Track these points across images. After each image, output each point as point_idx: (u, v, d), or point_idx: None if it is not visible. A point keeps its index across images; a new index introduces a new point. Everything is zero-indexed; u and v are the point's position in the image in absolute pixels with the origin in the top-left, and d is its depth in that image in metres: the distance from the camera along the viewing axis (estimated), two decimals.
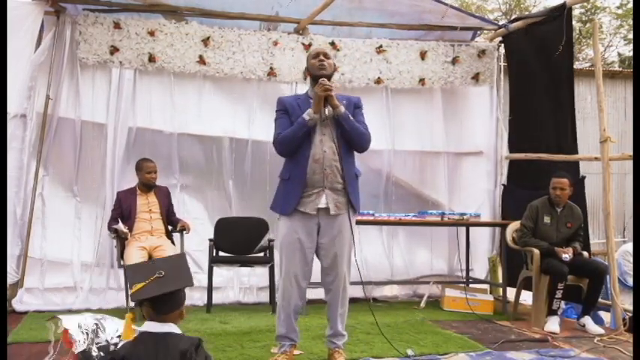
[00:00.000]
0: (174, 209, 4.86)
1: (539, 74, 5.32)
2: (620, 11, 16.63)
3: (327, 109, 3.08)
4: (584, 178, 4.84)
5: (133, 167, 4.76)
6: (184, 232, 4.67)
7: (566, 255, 4.33)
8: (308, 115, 3.06)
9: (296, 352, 3.39)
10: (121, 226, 4.36)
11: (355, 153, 3.25)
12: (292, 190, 3.11)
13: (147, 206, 4.60)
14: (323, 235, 3.14)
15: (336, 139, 3.09)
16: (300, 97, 3.28)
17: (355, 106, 3.26)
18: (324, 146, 3.09)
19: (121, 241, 4.47)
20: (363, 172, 5.60)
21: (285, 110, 3.19)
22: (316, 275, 3.31)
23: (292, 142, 3.09)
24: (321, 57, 3.16)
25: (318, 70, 3.14)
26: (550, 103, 5.23)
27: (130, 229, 4.47)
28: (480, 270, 5.81)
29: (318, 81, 3.07)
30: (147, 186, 4.62)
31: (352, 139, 3.14)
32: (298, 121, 3.07)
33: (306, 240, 3.12)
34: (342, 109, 3.09)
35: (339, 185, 3.11)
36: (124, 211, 4.55)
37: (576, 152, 4.99)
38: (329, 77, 3.13)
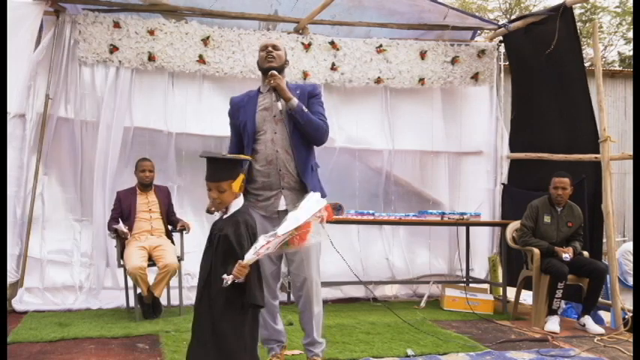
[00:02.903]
0: (174, 209, 4.85)
1: (541, 73, 5.32)
2: (619, 10, 16.64)
3: (279, 103, 2.92)
4: (583, 178, 4.83)
5: (132, 167, 4.76)
6: (184, 231, 4.67)
7: (567, 255, 4.33)
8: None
9: (296, 352, 3.39)
10: (121, 226, 4.36)
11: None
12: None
13: (147, 206, 4.60)
14: None
15: (289, 136, 2.95)
16: (250, 94, 3.13)
17: (310, 95, 3.06)
18: (276, 146, 2.96)
19: (121, 240, 4.47)
20: (363, 171, 5.74)
21: (231, 117, 3.09)
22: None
23: None
24: (270, 49, 3.01)
25: (265, 63, 2.99)
26: (555, 103, 5.21)
27: (130, 229, 4.47)
28: (479, 270, 5.81)
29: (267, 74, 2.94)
30: (144, 185, 4.62)
31: (307, 132, 2.97)
32: None
33: None
34: (295, 101, 2.92)
35: (297, 185, 2.99)
36: (123, 210, 4.55)
37: (597, 151, 4.92)
38: (279, 70, 2.98)
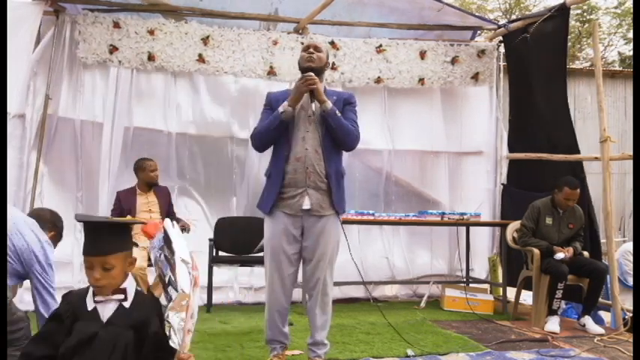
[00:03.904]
0: (174, 209, 4.85)
1: (539, 74, 5.32)
2: (618, 10, 16.65)
3: (313, 105, 2.94)
4: (583, 178, 4.84)
5: (132, 167, 4.75)
6: (184, 231, 4.66)
7: (560, 254, 4.32)
8: (283, 107, 2.92)
9: (296, 352, 3.39)
10: None
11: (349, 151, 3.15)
12: (272, 188, 3.01)
13: (146, 206, 4.59)
14: (306, 238, 3.01)
15: (321, 137, 2.96)
16: (288, 92, 3.14)
17: (345, 102, 3.08)
18: (306, 144, 2.96)
19: None
20: (363, 171, 5.73)
21: (270, 106, 3.08)
22: None
23: (265, 135, 2.98)
24: (311, 50, 3.02)
25: (305, 63, 3.01)
26: (549, 103, 5.22)
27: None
28: (479, 270, 5.81)
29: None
30: (148, 185, 4.61)
31: (338, 137, 2.97)
32: (273, 114, 2.95)
33: (290, 244, 2.99)
34: (329, 104, 2.94)
35: (323, 185, 2.98)
36: (123, 210, 4.54)
37: (578, 151, 4.98)
38: (318, 72, 2.99)
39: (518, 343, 3.84)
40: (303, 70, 3.01)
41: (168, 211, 4.71)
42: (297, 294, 4.93)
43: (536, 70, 5.31)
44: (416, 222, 5.21)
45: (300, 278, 3.16)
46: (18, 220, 2.60)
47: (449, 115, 5.92)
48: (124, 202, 4.56)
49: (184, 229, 4.65)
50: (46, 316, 2.39)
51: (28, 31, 4.59)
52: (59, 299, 1.99)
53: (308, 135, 2.98)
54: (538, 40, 5.23)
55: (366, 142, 5.70)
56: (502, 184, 5.78)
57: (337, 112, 2.97)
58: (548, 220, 4.53)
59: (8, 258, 2.44)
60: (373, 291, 5.45)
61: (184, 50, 5.08)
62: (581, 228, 4.56)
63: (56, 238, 2.86)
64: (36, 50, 4.72)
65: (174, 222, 2.10)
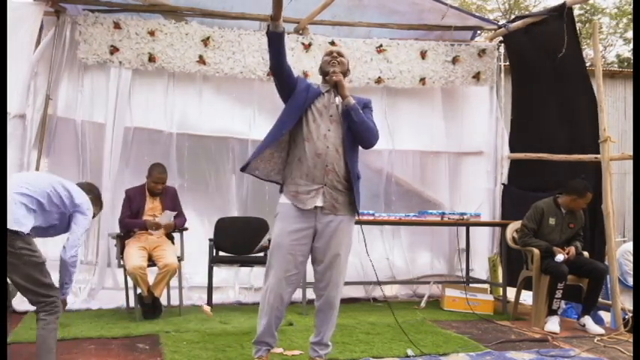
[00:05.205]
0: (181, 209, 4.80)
1: (541, 74, 5.32)
2: (615, 11, 16.67)
3: (337, 99, 2.98)
4: (583, 178, 4.83)
5: (132, 167, 4.75)
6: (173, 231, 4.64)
7: (560, 256, 4.32)
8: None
9: (296, 352, 3.39)
10: (160, 219, 4.41)
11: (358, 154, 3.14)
12: (289, 169, 3.01)
13: (152, 210, 4.57)
14: (318, 239, 2.97)
15: (342, 137, 2.98)
16: (314, 86, 3.12)
17: (364, 106, 3.11)
18: (328, 142, 2.96)
19: (121, 240, 4.47)
20: (363, 171, 5.70)
21: (296, 85, 3.06)
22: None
23: (271, 53, 2.98)
24: (335, 54, 3.10)
25: (327, 66, 3.07)
26: (555, 103, 5.21)
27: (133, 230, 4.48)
28: (479, 270, 5.81)
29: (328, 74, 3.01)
30: (152, 192, 4.61)
31: (359, 132, 2.98)
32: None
33: (300, 245, 2.94)
34: (352, 100, 2.98)
35: (339, 185, 2.97)
36: (132, 210, 4.53)
37: (597, 151, 4.92)
38: None
39: (518, 343, 3.84)
40: (325, 73, 3.06)
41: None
42: (297, 294, 4.93)
43: (541, 70, 5.30)
44: (416, 222, 5.21)
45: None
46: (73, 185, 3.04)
47: (449, 115, 5.92)
48: (134, 203, 4.55)
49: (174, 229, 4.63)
50: (77, 229, 2.95)
51: (28, 31, 4.60)
52: None
53: (329, 133, 2.97)
54: (540, 40, 5.22)
55: None
56: (502, 184, 5.78)
57: (359, 108, 2.99)
58: (552, 221, 4.52)
59: (60, 203, 2.87)
60: (373, 291, 5.45)
61: (185, 51, 5.08)
62: (580, 228, 4.57)
63: (98, 203, 3.26)
64: (36, 50, 4.73)
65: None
